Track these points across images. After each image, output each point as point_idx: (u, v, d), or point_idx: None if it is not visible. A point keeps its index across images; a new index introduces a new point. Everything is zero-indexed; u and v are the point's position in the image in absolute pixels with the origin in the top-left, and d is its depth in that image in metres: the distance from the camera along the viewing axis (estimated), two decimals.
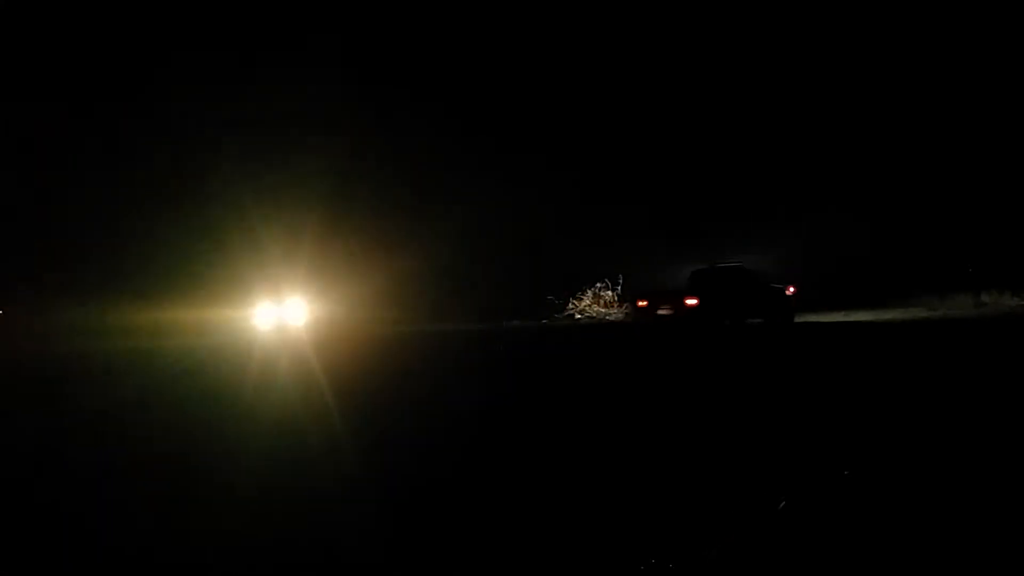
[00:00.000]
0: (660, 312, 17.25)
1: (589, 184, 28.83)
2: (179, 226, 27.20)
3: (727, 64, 29.76)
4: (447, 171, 30.84)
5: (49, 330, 22.62)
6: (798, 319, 20.24)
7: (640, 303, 17.98)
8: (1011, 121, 24.44)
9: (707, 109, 29.80)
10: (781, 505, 3.21)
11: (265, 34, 30.54)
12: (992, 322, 15.80)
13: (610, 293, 25.31)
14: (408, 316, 27.34)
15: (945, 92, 25.56)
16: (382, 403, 6.94)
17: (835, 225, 26.99)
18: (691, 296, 17.52)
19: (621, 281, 25.06)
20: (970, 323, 15.84)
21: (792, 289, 21.46)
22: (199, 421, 6.24)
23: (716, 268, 18.89)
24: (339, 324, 23.82)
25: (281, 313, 21.71)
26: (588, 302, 25.47)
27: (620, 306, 24.99)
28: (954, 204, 23.94)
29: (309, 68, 29.11)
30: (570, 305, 25.64)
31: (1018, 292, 21.04)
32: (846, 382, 7.26)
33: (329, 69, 29.27)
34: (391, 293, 28.39)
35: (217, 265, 26.38)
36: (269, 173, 28.68)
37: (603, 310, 25.23)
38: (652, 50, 30.36)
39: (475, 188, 30.04)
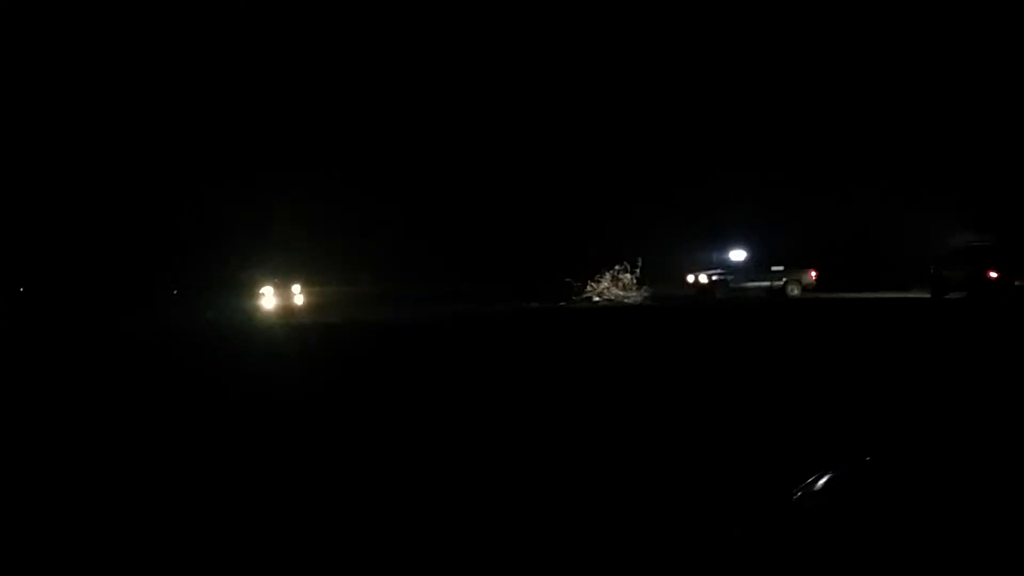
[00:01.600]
0: (1018, 283, 17.35)
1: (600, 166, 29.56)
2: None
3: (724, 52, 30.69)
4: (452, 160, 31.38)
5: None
6: (840, 296, 21.38)
7: (991, 274, 17.78)
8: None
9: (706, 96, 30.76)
10: None
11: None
12: None
13: (628, 276, 25.89)
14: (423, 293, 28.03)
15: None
16: None
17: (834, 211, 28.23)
18: None
19: (640, 264, 25.67)
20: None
21: (814, 273, 22.63)
22: None
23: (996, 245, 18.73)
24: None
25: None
26: (606, 284, 26.09)
27: (639, 289, 25.71)
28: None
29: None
30: (588, 288, 26.23)
31: None
32: None
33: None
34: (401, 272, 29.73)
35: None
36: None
37: (621, 293, 25.84)
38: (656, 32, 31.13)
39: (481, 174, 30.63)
